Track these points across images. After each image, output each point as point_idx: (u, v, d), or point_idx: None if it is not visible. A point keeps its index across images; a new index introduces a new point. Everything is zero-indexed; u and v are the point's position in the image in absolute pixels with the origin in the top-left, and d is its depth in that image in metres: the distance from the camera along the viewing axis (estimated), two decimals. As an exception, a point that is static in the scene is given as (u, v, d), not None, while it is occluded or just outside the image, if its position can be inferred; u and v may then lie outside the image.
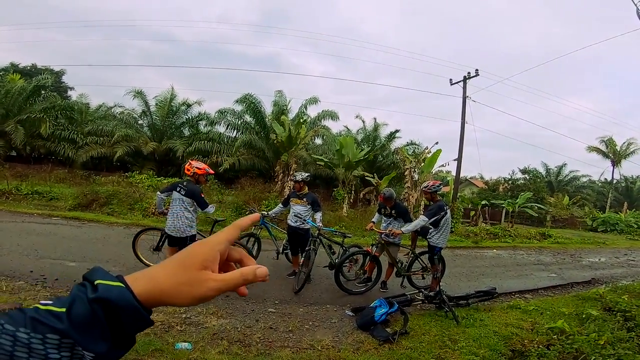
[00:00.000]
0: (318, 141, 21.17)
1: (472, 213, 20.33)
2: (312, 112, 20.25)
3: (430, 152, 15.59)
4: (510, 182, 34.96)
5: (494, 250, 10.60)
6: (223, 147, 19.13)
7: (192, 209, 4.46)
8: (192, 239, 4.47)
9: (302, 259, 4.91)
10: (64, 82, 30.81)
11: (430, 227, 4.81)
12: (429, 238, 4.85)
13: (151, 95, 20.97)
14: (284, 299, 4.51)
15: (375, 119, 22.18)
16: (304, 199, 5.12)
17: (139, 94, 20.40)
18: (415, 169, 15.75)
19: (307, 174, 5.29)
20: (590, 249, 13.35)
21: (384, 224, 5.28)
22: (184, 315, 3.63)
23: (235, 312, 3.91)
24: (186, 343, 2.97)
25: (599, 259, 10.29)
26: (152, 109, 20.93)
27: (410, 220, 5.06)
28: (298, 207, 5.12)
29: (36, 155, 20.66)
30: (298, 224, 5.09)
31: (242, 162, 18.38)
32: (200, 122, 21.74)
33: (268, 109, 19.68)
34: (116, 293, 0.40)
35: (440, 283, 4.28)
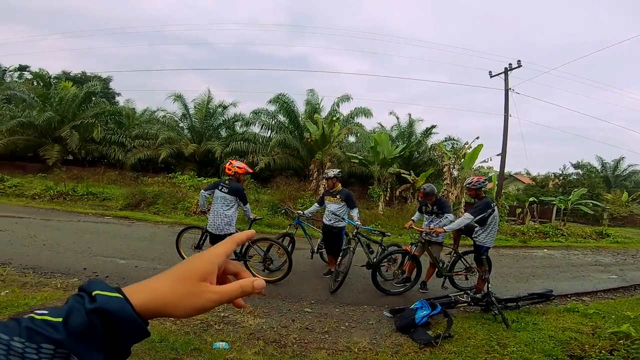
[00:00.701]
0: (352, 139, 20.97)
1: (519, 210, 19.14)
2: (345, 109, 20.11)
3: (470, 147, 14.86)
4: (561, 177, 32.54)
5: (545, 250, 9.85)
6: (258, 147, 19.54)
7: (233, 206, 4.56)
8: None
9: (339, 258, 4.82)
10: (111, 89, 32.96)
11: (476, 225, 4.51)
12: (475, 237, 4.55)
13: (189, 99, 21.81)
14: (320, 298, 4.45)
15: (409, 114, 21.49)
16: (337, 196, 5.03)
17: (179, 97, 21.34)
18: (455, 165, 15.09)
19: (338, 170, 5.19)
20: (655, 249, 12.01)
21: (426, 222, 5.05)
22: (222, 314, 3.68)
23: (272, 312, 3.91)
24: (223, 343, 3.00)
25: (667, 260, 9.22)
26: (191, 111, 21.78)
27: (449, 212, 4.80)
28: (333, 205, 5.04)
29: (90, 159, 22.33)
30: (332, 222, 5.01)
31: (277, 162, 18.65)
32: (236, 123, 22.34)
33: (301, 108, 19.81)
34: (115, 304, 0.40)
35: (488, 284, 3.97)
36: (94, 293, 0.41)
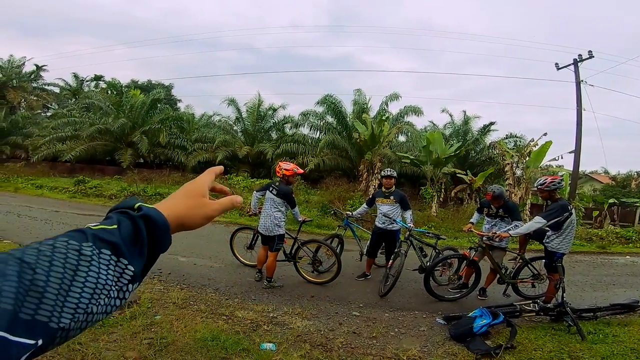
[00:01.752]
0: (402, 138, 20.31)
1: (596, 213, 17.07)
2: (394, 109, 19.55)
3: (537, 144, 13.57)
4: (647, 176, 28.47)
5: (627, 257, 8.63)
6: (307, 148, 19.78)
7: (282, 209, 4.61)
8: (281, 238, 4.60)
9: (390, 261, 4.65)
10: (173, 95, 35.54)
11: (548, 229, 4.05)
12: (547, 242, 4.07)
13: (242, 103, 22.77)
14: (369, 302, 4.32)
15: (464, 111, 20.31)
16: (391, 197, 4.86)
17: (232, 102, 22.34)
18: (518, 164, 13.90)
19: (394, 170, 5.01)
20: None
21: (487, 225, 4.66)
22: (271, 315, 3.72)
23: (320, 314, 3.87)
24: (271, 344, 3.02)
25: None
26: (244, 115, 22.73)
27: (520, 219, 4.36)
28: (385, 207, 4.87)
29: (157, 162, 24.32)
30: (386, 224, 4.84)
31: (326, 162, 18.71)
32: (285, 125, 22.83)
33: (348, 108, 19.67)
34: (154, 212, 0.48)
35: (564, 293, 3.51)
36: (137, 205, 0.48)
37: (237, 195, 0.64)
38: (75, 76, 29.65)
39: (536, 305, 3.46)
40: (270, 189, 4.66)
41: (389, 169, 5.01)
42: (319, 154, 18.48)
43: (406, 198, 4.93)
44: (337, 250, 5.51)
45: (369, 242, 5.15)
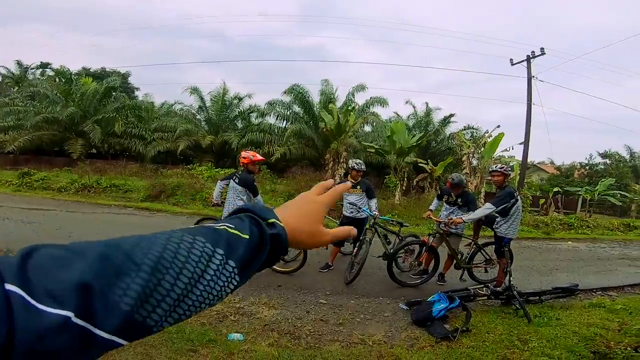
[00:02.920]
0: (367, 128, 20.74)
1: (542, 201, 18.51)
2: (360, 99, 19.86)
3: (491, 136, 14.39)
4: (587, 167, 31.25)
5: (569, 243, 9.51)
6: (274, 138, 19.62)
7: (244, 197, 4.54)
8: None
9: (356, 249, 4.78)
10: (130, 83, 33.61)
11: (497, 215, 4.35)
12: (496, 228, 4.37)
13: (206, 92, 22.07)
14: (335, 290, 4.43)
15: (427, 103, 21.03)
16: (359, 187, 4.97)
17: (195, 90, 21.61)
18: (474, 154, 14.69)
19: (363, 163, 5.09)
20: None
21: (444, 212, 4.92)
22: (238, 305, 3.71)
23: (287, 303, 3.91)
24: (238, 334, 3.02)
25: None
26: (208, 104, 22.06)
27: (475, 209, 4.64)
28: (353, 197, 4.98)
29: (113, 152, 22.96)
30: (354, 213, 4.95)
31: (292, 152, 18.68)
32: (251, 114, 22.47)
33: (316, 98, 19.68)
34: (284, 234, 0.47)
35: (511, 277, 3.82)
36: (270, 220, 0.46)
37: (353, 228, 0.59)
38: (19, 64, 27.01)
39: (488, 289, 3.74)
40: (234, 177, 4.60)
41: (358, 161, 5.07)
42: (285, 143, 18.38)
43: (372, 187, 5.06)
44: None
45: None
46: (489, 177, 5.16)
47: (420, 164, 15.98)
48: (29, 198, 10.94)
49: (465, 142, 15.00)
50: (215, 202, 4.94)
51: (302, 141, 18.98)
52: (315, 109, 19.18)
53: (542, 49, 14.92)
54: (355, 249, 4.75)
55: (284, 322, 3.41)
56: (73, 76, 24.19)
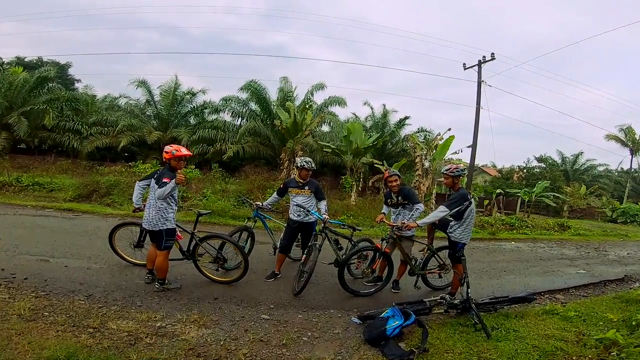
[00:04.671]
0: (325, 128, 20.57)
1: (487, 202, 19.51)
2: (319, 99, 19.66)
3: (442, 138, 14.81)
4: (525, 170, 33.83)
5: (512, 243, 9.89)
6: (228, 135, 18.70)
7: (168, 200, 3.88)
8: (170, 233, 3.90)
9: (304, 256, 4.34)
10: (70, 75, 30.68)
11: (451, 219, 4.15)
12: (450, 232, 4.16)
13: (156, 86, 20.68)
14: (281, 302, 3.96)
15: (384, 105, 21.38)
16: (306, 188, 4.53)
17: (142, 83, 20.11)
18: (427, 156, 15.02)
19: (311, 161, 4.65)
20: (614, 241, 12.50)
21: (393, 217, 4.64)
22: (158, 324, 3.10)
23: (222, 320, 3.36)
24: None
25: (626, 253, 9.49)
26: (157, 98, 20.63)
27: (418, 202, 4.40)
28: (300, 198, 4.53)
29: (45, 147, 20.55)
30: (302, 217, 4.50)
31: (246, 150, 17.92)
32: (205, 110, 21.36)
33: (274, 96, 19.10)
34: None
35: (468, 289, 3.56)
36: None
37: None
38: None
39: (444, 302, 3.48)
40: (155, 176, 3.91)
41: (308, 159, 4.63)
42: (239, 141, 17.56)
43: (321, 187, 4.65)
44: (248, 244, 5.05)
45: (282, 236, 4.74)
46: (442, 180, 5.01)
47: (376, 165, 16.03)
48: None
49: (418, 144, 15.29)
50: (137, 206, 4.17)
51: (257, 139, 18.26)
52: (272, 106, 18.57)
53: (492, 54, 15.67)
54: (304, 255, 4.32)
55: (214, 345, 2.87)
56: (2, 65, 21.34)
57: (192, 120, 21.82)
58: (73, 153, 19.66)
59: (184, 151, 3.94)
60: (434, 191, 15.20)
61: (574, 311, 3.91)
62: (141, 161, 17.76)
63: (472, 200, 4.15)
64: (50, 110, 18.34)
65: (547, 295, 4.96)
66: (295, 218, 4.52)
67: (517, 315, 3.80)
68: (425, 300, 3.54)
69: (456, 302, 3.47)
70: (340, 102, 19.28)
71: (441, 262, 4.57)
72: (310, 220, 4.50)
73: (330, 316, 3.69)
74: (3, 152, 17.05)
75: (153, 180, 3.89)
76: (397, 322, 2.96)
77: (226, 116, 20.14)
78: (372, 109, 21.64)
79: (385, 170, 4.66)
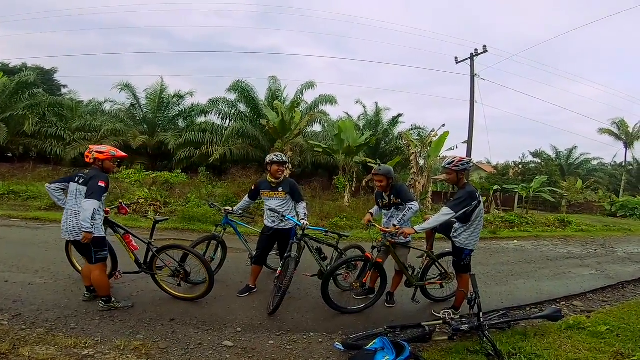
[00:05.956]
0: (317, 128, 20.00)
1: (484, 199, 18.98)
2: (309, 98, 19.03)
3: (437, 135, 14.24)
4: (520, 166, 33.47)
5: (515, 241, 9.32)
6: (216, 138, 18.05)
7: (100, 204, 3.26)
8: (98, 243, 3.26)
9: (279, 269, 3.70)
10: (56, 80, 29.95)
11: (455, 221, 3.53)
12: (455, 237, 3.52)
13: (144, 89, 20.11)
14: (251, 323, 3.31)
15: (376, 103, 20.87)
16: (280, 189, 3.88)
17: (127, 86, 19.51)
18: (421, 154, 14.45)
19: (283, 155, 4.01)
20: (618, 237, 11.98)
21: (385, 220, 3.97)
22: (85, 352, 2.47)
23: (172, 347, 2.71)
24: None
25: (634, 249, 8.95)
26: (143, 102, 20.05)
27: (412, 199, 3.73)
28: (274, 202, 3.88)
29: (31, 155, 19.82)
30: (277, 223, 3.86)
31: (234, 152, 17.26)
32: (193, 113, 20.78)
33: (263, 96, 18.48)
34: None
35: (480, 312, 2.88)
36: None
37: None
38: None
39: (448, 327, 2.84)
40: (77, 178, 3.29)
41: (278, 153, 4.02)
42: (225, 142, 16.88)
43: (297, 187, 4.00)
44: (219, 255, 4.41)
45: (257, 245, 4.08)
46: (440, 176, 4.39)
47: (369, 164, 15.44)
48: None
49: (412, 142, 14.74)
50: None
51: (246, 141, 17.60)
52: (261, 106, 17.93)
53: (484, 46, 15.19)
54: (280, 269, 3.67)
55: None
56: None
57: (180, 124, 21.25)
58: (56, 160, 18.96)
59: (120, 152, 3.54)
60: (430, 189, 14.63)
61: (603, 324, 3.27)
62: (125, 166, 17.08)
63: (481, 199, 3.52)
64: (30, 116, 17.71)
65: (564, 302, 4.35)
66: (269, 225, 3.88)
67: (537, 332, 3.14)
68: (423, 324, 2.88)
69: (464, 327, 2.80)
70: (331, 100, 18.67)
71: (443, 271, 3.93)
72: (287, 227, 3.86)
73: (309, 341, 3.05)
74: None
75: (74, 184, 3.26)
76: (388, 357, 2.32)
77: (214, 118, 19.53)
78: (364, 107, 21.12)
79: (373, 171, 4.01)
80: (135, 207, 10.35)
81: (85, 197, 3.13)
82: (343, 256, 4.18)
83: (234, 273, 4.69)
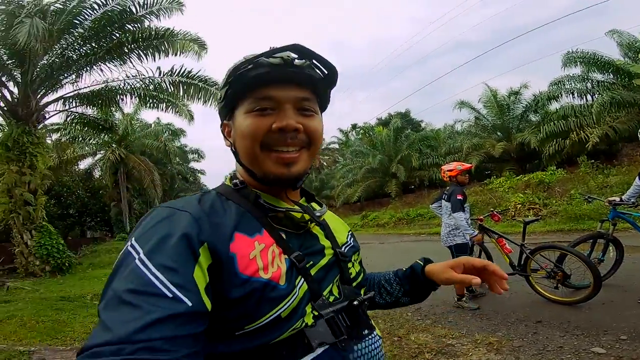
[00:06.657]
0: None
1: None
2: None
3: None
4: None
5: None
6: (584, 119, 14.93)
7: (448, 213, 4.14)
8: (460, 249, 4.03)
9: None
10: (413, 119, 33.78)
11: None
12: None
13: (478, 100, 20.81)
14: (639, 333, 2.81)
15: None
16: None
17: (463, 103, 20.76)
18: None
19: None
20: None
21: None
22: (449, 342, 3.18)
23: (527, 346, 2.90)
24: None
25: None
26: (483, 111, 20.72)
27: None
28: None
29: (423, 183, 24.59)
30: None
31: (619, 128, 13.46)
32: (538, 104, 18.79)
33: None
34: (418, 266, 0.87)
35: None
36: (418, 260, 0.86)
37: (475, 277, 0.71)
38: (340, 130, 36.93)
39: None
40: (444, 196, 4.28)
41: None
42: (599, 121, 13.59)
43: None
44: (612, 255, 3.92)
45: None
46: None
47: None
48: (363, 234, 14.61)
49: None
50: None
51: (632, 110, 13.29)
52: (622, 66, 13.20)
53: None
54: None
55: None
56: (372, 128, 29.71)
57: (532, 118, 19.66)
58: (439, 184, 23.07)
59: (467, 165, 4.29)
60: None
61: None
62: (495, 176, 18.02)
63: None
64: (412, 153, 23.06)
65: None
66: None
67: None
68: None
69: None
70: None
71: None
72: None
73: None
74: (397, 194, 23.13)
75: (444, 202, 4.27)
76: None
77: (567, 100, 16.40)
78: None
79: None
80: (512, 212, 10.89)
81: (452, 212, 4.05)
82: None
83: (624, 277, 4.02)
